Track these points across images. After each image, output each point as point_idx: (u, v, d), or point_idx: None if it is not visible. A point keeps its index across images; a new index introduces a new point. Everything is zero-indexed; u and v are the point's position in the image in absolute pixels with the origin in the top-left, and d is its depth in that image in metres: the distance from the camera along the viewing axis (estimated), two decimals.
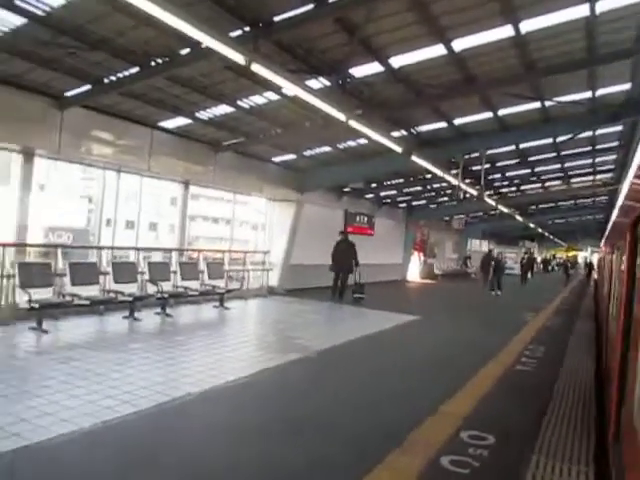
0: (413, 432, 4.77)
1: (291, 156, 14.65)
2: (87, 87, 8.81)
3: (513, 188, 23.93)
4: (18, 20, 6.65)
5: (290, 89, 7.61)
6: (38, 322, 7.93)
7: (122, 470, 3.74)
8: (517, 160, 17.69)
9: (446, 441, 4.61)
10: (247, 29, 7.09)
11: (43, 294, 8.41)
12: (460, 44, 8.26)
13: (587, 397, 6.30)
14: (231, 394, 5.76)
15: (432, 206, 26.19)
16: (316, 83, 9.19)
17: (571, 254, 64.37)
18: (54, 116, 9.00)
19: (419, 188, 21.70)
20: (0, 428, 4.22)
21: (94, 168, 11.51)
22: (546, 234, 43.73)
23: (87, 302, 8.77)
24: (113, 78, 8.58)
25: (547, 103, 11.25)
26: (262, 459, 4.09)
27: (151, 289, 10.17)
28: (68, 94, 8.97)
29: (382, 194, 21.76)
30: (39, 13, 6.51)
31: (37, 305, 7.83)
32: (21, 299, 8.24)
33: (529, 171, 19.98)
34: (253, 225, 18.89)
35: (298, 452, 4.25)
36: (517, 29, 7.82)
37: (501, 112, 11.99)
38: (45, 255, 12.17)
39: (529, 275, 28.15)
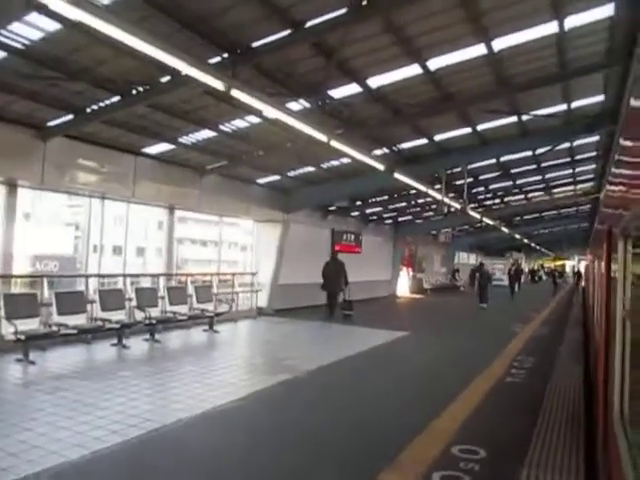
0: (404, 449, 4.78)
1: (275, 177, 14.75)
2: (69, 117, 8.86)
3: (497, 200, 24.22)
4: None
5: (270, 113, 7.72)
6: (25, 353, 7.85)
7: None
8: (499, 173, 17.95)
9: (437, 457, 4.63)
10: (226, 56, 7.21)
11: (29, 324, 8.33)
12: (435, 63, 8.46)
13: (576, 406, 6.36)
14: (222, 418, 5.74)
15: (418, 221, 26.37)
16: (296, 105, 9.34)
17: (559, 263, 64.95)
18: (37, 147, 9.02)
19: (404, 204, 21.87)
20: None
21: (79, 196, 11.50)
22: (532, 244, 44.10)
23: (74, 331, 8.70)
24: (95, 107, 8.64)
25: (524, 117, 11.49)
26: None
27: (139, 315, 10.12)
28: (51, 124, 9.00)
29: (368, 211, 21.90)
30: (19, 47, 6.58)
31: (23, 336, 7.77)
32: (7, 330, 8.15)
33: (511, 183, 20.25)
34: (242, 246, 18.86)
35: (289, 473, 4.24)
36: (490, 47, 8.04)
37: (480, 127, 12.22)
38: (31, 285, 12.06)
39: (517, 287, 28.12)
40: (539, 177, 19.61)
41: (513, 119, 11.79)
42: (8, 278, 9.41)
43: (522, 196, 23.84)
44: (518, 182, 20.16)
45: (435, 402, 6.38)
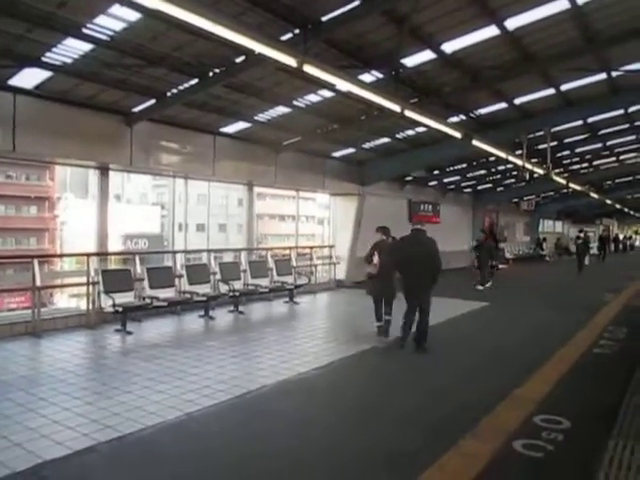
0: (486, 417, 4.78)
1: (350, 150, 14.73)
2: (152, 102, 9.29)
3: (584, 164, 22.84)
4: (86, 46, 7.14)
5: (343, 86, 7.71)
6: (122, 324, 8.51)
7: (207, 456, 4.02)
8: (586, 135, 16.90)
9: (519, 426, 4.59)
10: (297, 32, 7.26)
11: (125, 298, 8.99)
12: (514, 22, 8.06)
13: None
14: (303, 385, 5.96)
15: (499, 189, 25.43)
16: (369, 77, 9.25)
17: None
18: (124, 132, 9.57)
19: (484, 172, 21.17)
20: (95, 421, 4.63)
21: (164, 176, 12.13)
22: (626, 210, 41.28)
23: (165, 304, 9.30)
24: (175, 91, 9.00)
25: (614, 73, 10.74)
26: (340, 447, 4.25)
27: (223, 288, 10.62)
28: (135, 110, 9.49)
29: (446, 180, 21.41)
30: (104, 38, 6.98)
31: (121, 309, 8.41)
32: (106, 304, 8.85)
33: (600, 145, 19.02)
34: (319, 220, 19.13)
35: (373, 440, 4.38)
36: (573, 1, 7.54)
37: (564, 87, 11.55)
38: (124, 261, 12.96)
39: (586, 261, 25.40)
40: (632, 137, 18.25)
41: (601, 76, 11.05)
42: (104, 256, 10.14)
43: (613, 158, 22.31)
44: (608, 144, 18.89)
45: (518, 372, 6.28)
